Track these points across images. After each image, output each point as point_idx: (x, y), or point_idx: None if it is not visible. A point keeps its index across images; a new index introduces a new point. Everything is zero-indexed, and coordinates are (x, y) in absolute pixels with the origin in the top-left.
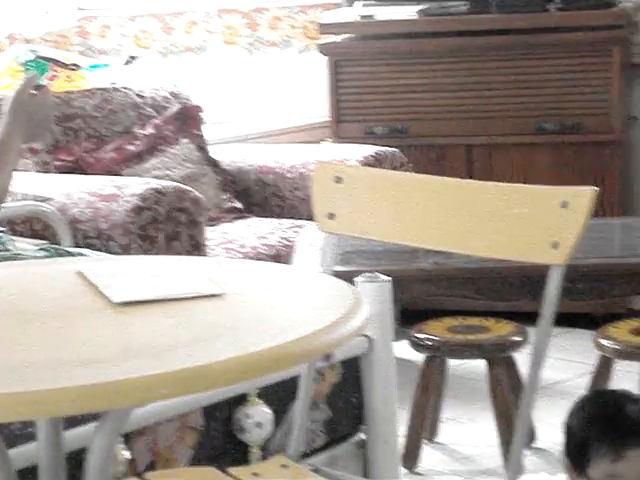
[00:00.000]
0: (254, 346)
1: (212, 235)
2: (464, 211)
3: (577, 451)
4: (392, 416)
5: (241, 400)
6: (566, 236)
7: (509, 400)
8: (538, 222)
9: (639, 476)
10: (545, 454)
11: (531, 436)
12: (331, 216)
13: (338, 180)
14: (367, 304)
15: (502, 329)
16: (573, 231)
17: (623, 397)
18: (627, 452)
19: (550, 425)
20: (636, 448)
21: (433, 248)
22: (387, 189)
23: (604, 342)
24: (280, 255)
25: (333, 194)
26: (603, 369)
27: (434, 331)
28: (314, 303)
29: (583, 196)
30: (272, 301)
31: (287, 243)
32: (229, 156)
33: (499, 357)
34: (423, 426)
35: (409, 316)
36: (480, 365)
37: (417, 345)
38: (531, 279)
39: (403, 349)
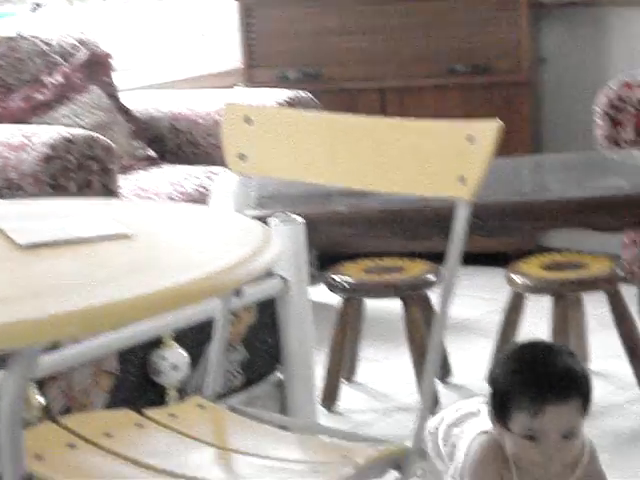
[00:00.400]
0: (162, 282)
1: (125, 183)
2: (373, 148)
3: (499, 403)
4: (308, 356)
5: (156, 343)
6: (472, 170)
7: (424, 338)
8: (444, 157)
9: (559, 432)
10: (460, 389)
11: (446, 372)
12: (242, 157)
13: (248, 121)
14: (277, 241)
15: (417, 269)
16: (479, 165)
17: (548, 350)
18: (547, 407)
19: (465, 361)
20: (556, 404)
21: (344, 186)
22: (297, 129)
23: (515, 278)
24: (195, 202)
25: (243, 135)
26: (515, 304)
27: (350, 272)
28: (223, 241)
29: (488, 130)
30: (182, 240)
31: (202, 190)
32: (141, 103)
33: (414, 296)
34: (341, 366)
35: (326, 260)
36: (396, 305)
37: (333, 287)
38: (444, 219)
39: (321, 293)
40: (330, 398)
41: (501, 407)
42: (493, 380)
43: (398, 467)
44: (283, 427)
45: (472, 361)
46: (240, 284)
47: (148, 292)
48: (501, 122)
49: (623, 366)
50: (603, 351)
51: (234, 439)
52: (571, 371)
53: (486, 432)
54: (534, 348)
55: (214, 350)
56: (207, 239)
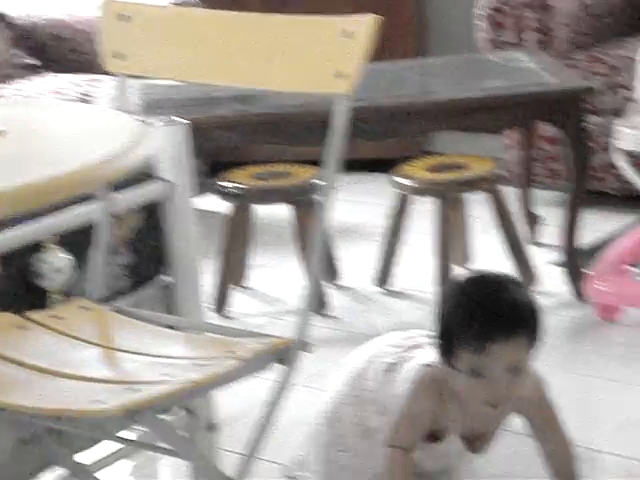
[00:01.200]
0: (32, 176)
1: (5, 92)
2: (253, 46)
3: (445, 339)
4: (194, 259)
5: (38, 247)
6: (349, 65)
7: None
8: (320, 52)
9: (505, 369)
10: (348, 290)
11: (334, 275)
12: (120, 56)
13: (125, 18)
14: (154, 138)
15: (306, 174)
16: (355, 60)
17: (495, 284)
18: (492, 344)
19: (353, 264)
20: (502, 340)
21: (223, 84)
22: (177, 26)
23: (399, 180)
24: None
25: (120, 33)
26: (400, 207)
27: (239, 179)
28: (97, 135)
29: (363, 24)
30: (55, 135)
31: (86, 98)
32: (21, 10)
33: (303, 201)
34: (232, 272)
35: (217, 169)
36: (286, 211)
37: (223, 194)
38: (329, 124)
39: (212, 201)
40: (221, 304)
41: (447, 343)
42: (439, 315)
43: (282, 360)
44: (170, 327)
45: (359, 264)
46: (113, 178)
47: (17, 185)
48: (377, 16)
49: (505, 265)
50: (485, 251)
51: (119, 338)
52: (518, 306)
53: (429, 365)
54: (481, 282)
55: (97, 253)
56: (80, 134)
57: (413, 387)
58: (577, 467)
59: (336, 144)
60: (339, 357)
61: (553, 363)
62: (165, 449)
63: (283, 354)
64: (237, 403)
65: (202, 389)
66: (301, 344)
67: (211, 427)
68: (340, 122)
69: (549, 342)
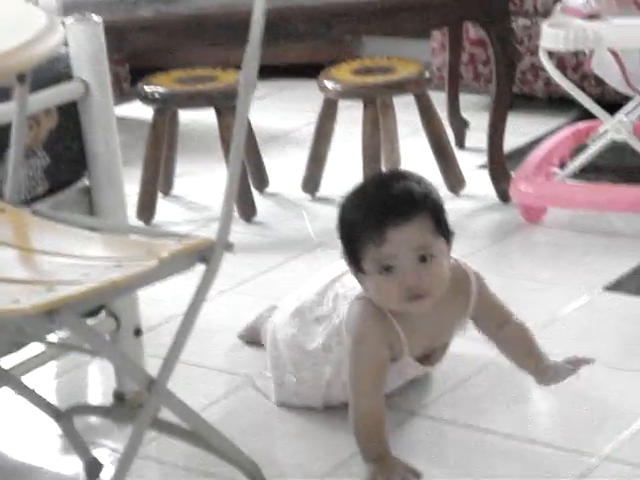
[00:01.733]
0: None
1: None
2: None
3: (348, 244)
4: (116, 162)
5: None
6: None
7: None
8: None
9: (410, 254)
10: (277, 197)
11: (263, 182)
12: None
13: None
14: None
15: (230, 78)
16: None
17: (389, 178)
18: (388, 230)
19: (281, 171)
20: (397, 225)
21: None
22: None
23: (327, 83)
24: None
25: None
26: (327, 111)
27: (161, 83)
28: (7, 26)
29: None
30: None
31: None
32: None
33: (228, 105)
34: (157, 180)
35: (141, 75)
36: (211, 116)
37: (145, 98)
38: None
39: (137, 109)
40: (146, 212)
41: (351, 247)
42: (340, 221)
43: (204, 260)
44: (91, 229)
45: (288, 171)
46: (21, 68)
47: None
48: None
49: (432, 168)
50: (413, 155)
51: (38, 240)
52: (410, 192)
53: (360, 298)
54: (375, 179)
55: (12, 155)
56: None
57: (356, 325)
58: (538, 346)
59: (254, 43)
60: (268, 263)
61: (479, 264)
62: (87, 350)
63: (205, 254)
64: (163, 309)
65: (122, 289)
66: (223, 244)
67: (137, 332)
68: (258, 20)
69: (475, 244)
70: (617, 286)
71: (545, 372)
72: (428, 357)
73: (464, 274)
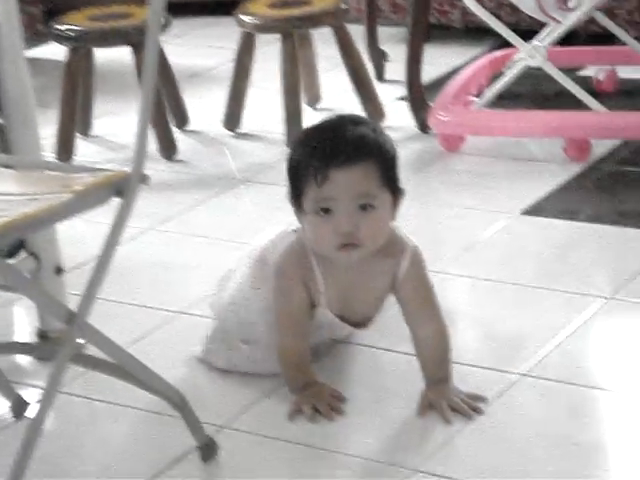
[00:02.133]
0: None
1: None
2: None
3: (293, 181)
4: (28, 99)
5: None
6: None
7: (157, 86)
8: None
9: (351, 199)
10: (197, 134)
11: (183, 119)
12: None
13: None
14: None
15: (145, 14)
16: None
17: (340, 121)
18: (331, 171)
19: (201, 108)
20: (341, 167)
21: None
22: None
23: (244, 18)
24: None
25: None
26: (245, 46)
27: (75, 21)
28: None
29: None
30: None
31: None
32: None
33: (143, 43)
34: (74, 120)
35: (54, 15)
36: (128, 55)
37: (58, 37)
38: None
39: (52, 50)
40: (65, 152)
41: (294, 186)
42: (289, 156)
43: (120, 193)
44: (6, 166)
45: (209, 108)
46: None
47: None
48: None
49: (352, 101)
50: (333, 89)
51: None
52: (363, 137)
53: (296, 231)
54: (332, 120)
55: None
56: None
57: (280, 257)
58: (449, 357)
59: None
60: (190, 201)
61: None
62: (7, 287)
63: (121, 186)
64: (85, 249)
65: (36, 222)
66: (138, 176)
67: (58, 270)
68: None
69: None
70: (534, 210)
71: (433, 391)
72: (352, 322)
73: (401, 242)
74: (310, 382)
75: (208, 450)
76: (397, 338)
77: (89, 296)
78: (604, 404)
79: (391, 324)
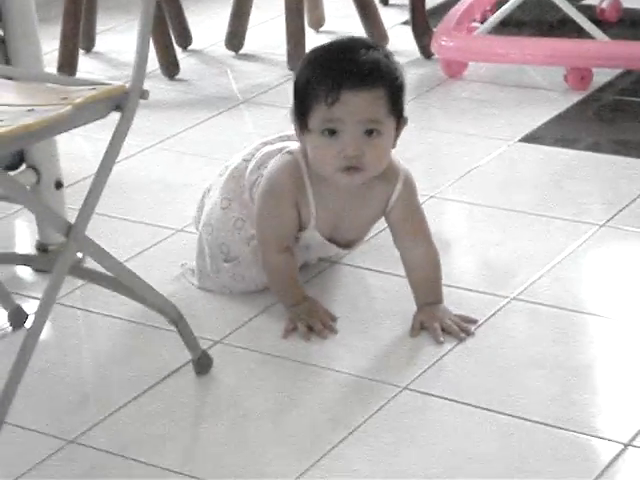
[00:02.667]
0: None
1: None
2: None
3: (299, 99)
4: (28, 10)
5: None
6: None
7: (161, 5)
8: None
9: (358, 122)
10: (201, 55)
11: (187, 39)
12: None
13: None
14: None
15: None
16: None
17: (354, 43)
18: (343, 92)
19: (205, 28)
20: (352, 89)
21: None
22: None
23: None
24: None
25: None
26: None
27: None
28: None
29: None
30: None
31: None
32: None
33: None
34: (77, 35)
35: None
36: None
37: None
38: None
39: None
40: (67, 67)
41: (301, 103)
42: (298, 73)
43: (119, 107)
44: (6, 77)
45: (212, 28)
46: None
47: None
48: None
49: (356, 25)
50: (337, 11)
51: None
52: (376, 62)
53: (291, 152)
54: (344, 41)
55: None
56: None
57: (271, 173)
58: (440, 279)
59: None
60: (191, 120)
61: None
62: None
63: (120, 101)
64: (86, 165)
65: (35, 134)
66: (138, 91)
67: (58, 185)
68: None
69: None
70: (533, 138)
71: (424, 312)
72: (340, 243)
73: (394, 167)
74: (302, 299)
75: (202, 364)
76: (387, 260)
77: (87, 209)
78: (592, 328)
79: (381, 246)
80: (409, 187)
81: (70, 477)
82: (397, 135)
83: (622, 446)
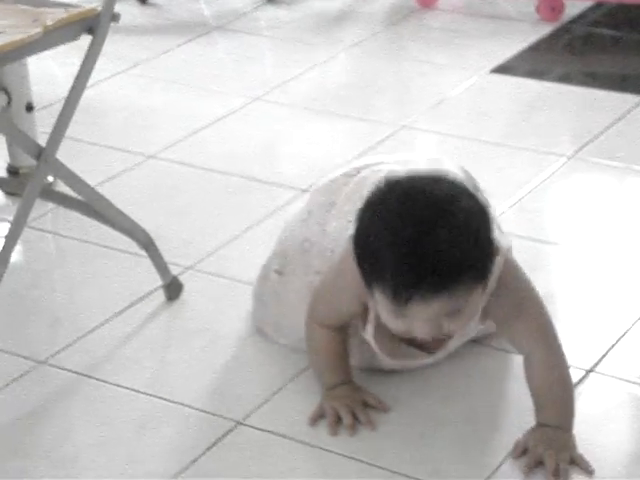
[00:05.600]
0: None
1: None
2: None
3: (360, 262)
4: None
5: None
6: None
7: None
8: None
9: (431, 323)
10: None
11: None
12: None
13: None
14: None
15: None
16: None
17: (434, 209)
18: (412, 301)
19: None
20: (425, 297)
21: None
22: None
23: None
24: None
25: None
26: None
27: None
28: None
29: None
30: None
31: None
32: None
33: None
34: None
35: None
36: None
37: None
38: None
39: None
40: None
41: (362, 270)
42: (356, 230)
43: (90, 30)
44: None
45: None
46: None
47: None
48: None
49: None
50: None
51: None
52: (456, 250)
53: None
54: (411, 207)
55: None
56: None
57: (342, 258)
58: (568, 401)
59: None
60: (163, 46)
61: (372, 49)
62: None
63: (91, 24)
64: (57, 89)
65: (5, 55)
66: (109, 14)
67: (28, 107)
68: None
69: (369, 28)
70: (504, 69)
71: (535, 435)
72: (422, 346)
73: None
74: (341, 383)
75: (173, 289)
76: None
77: (58, 132)
78: (556, 259)
79: None
80: (511, 270)
81: (40, 398)
82: (485, 285)
83: (584, 372)
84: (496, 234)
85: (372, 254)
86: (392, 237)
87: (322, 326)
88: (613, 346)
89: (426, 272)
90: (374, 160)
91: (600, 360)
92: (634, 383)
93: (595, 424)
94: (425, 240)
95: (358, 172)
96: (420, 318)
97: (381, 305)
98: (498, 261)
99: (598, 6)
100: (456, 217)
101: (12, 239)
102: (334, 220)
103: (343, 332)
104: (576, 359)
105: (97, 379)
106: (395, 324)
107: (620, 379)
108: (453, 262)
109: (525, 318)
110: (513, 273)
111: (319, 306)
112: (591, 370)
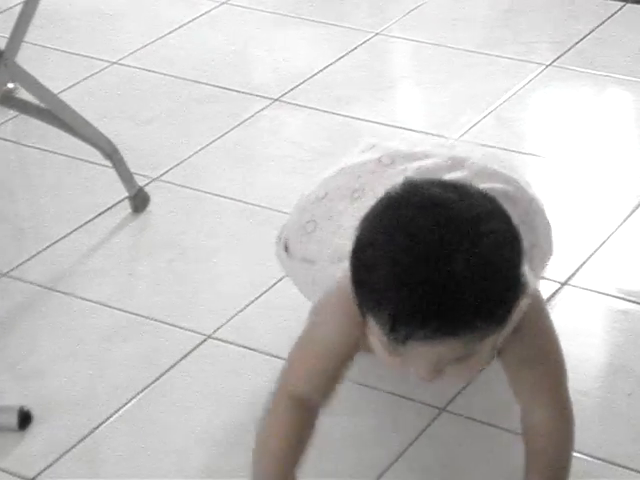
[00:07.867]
0: None
1: None
2: None
3: (359, 281)
4: None
5: None
6: None
7: None
8: None
9: (434, 367)
10: None
11: None
12: None
13: None
14: None
15: None
16: None
17: (457, 242)
18: (410, 341)
19: None
20: (426, 341)
21: None
22: None
23: None
24: None
25: None
26: None
27: None
28: None
29: None
30: None
31: None
32: None
33: None
34: None
35: None
36: None
37: None
38: None
39: None
40: None
41: (356, 288)
42: (356, 240)
43: None
44: None
45: None
46: None
47: None
48: None
49: None
50: None
51: None
52: (473, 290)
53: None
54: (430, 221)
55: None
56: None
57: (328, 297)
58: (566, 467)
59: None
60: None
61: None
62: None
63: None
64: None
65: None
66: None
67: None
68: None
69: None
70: None
71: None
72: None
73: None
74: None
75: (139, 201)
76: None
77: (18, 34)
78: (533, 169)
79: None
80: (536, 314)
81: (3, 310)
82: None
83: (559, 285)
84: (525, 269)
85: (370, 273)
86: (396, 259)
87: (293, 397)
88: (588, 258)
89: (433, 311)
90: (419, 150)
91: (575, 273)
92: (608, 295)
93: (569, 336)
94: (436, 270)
95: (392, 162)
96: (418, 360)
97: (374, 335)
98: (523, 303)
99: None
100: (479, 244)
101: None
102: (351, 216)
103: (314, 415)
104: (551, 272)
105: (62, 292)
106: (388, 360)
107: (595, 292)
108: (468, 303)
109: (538, 372)
110: (537, 319)
111: (297, 364)
112: (565, 283)
